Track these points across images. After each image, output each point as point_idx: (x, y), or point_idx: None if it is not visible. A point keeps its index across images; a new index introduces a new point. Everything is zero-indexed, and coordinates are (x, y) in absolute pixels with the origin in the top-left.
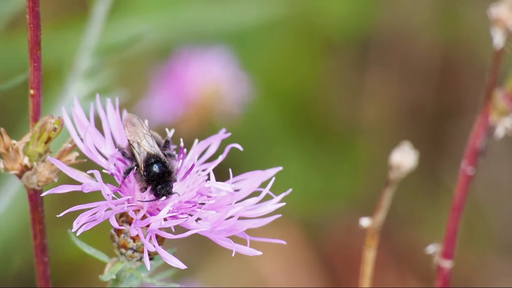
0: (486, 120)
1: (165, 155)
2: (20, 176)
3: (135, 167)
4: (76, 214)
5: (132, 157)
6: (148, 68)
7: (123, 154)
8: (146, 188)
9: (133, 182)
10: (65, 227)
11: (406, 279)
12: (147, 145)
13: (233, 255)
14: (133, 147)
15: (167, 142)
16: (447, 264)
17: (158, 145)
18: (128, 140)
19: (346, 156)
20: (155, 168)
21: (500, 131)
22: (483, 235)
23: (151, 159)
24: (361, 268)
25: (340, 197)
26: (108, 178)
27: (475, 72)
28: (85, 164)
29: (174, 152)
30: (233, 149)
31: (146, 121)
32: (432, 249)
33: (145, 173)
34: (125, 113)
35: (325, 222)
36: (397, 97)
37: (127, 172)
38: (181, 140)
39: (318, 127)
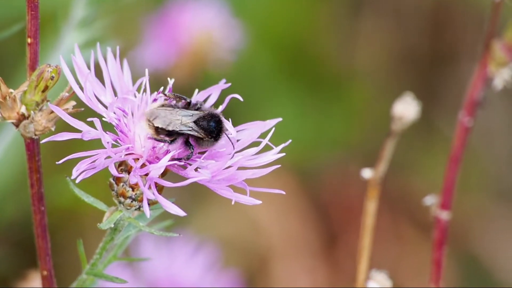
0: (484, 71)
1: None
2: (17, 125)
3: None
4: (72, 163)
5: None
6: (141, 17)
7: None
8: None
9: (133, 131)
10: (58, 176)
11: (401, 226)
12: (187, 118)
13: (232, 203)
14: (183, 130)
15: (189, 103)
16: (444, 215)
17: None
18: (175, 130)
19: (340, 103)
20: (213, 125)
21: (498, 82)
22: (479, 181)
23: (201, 122)
24: (362, 219)
25: (334, 144)
26: (107, 127)
27: (470, 17)
28: (82, 113)
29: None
30: (225, 95)
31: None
32: (430, 200)
33: (209, 136)
34: (125, 63)
35: (320, 169)
36: (391, 43)
37: (192, 149)
38: (194, 95)
39: (311, 73)
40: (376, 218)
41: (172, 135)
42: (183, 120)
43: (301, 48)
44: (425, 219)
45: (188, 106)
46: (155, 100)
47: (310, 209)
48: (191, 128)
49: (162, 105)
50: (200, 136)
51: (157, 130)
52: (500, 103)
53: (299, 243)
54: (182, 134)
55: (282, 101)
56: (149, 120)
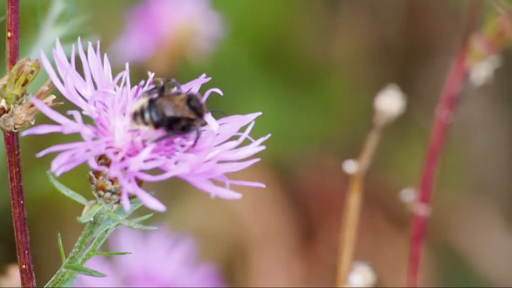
0: (463, 65)
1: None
2: None
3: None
4: (50, 156)
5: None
6: (121, 9)
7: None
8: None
9: (112, 124)
10: (36, 169)
11: (376, 219)
12: (183, 103)
13: (212, 197)
14: (185, 115)
15: (162, 89)
16: (423, 210)
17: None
18: (182, 116)
19: (316, 96)
20: (199, 103)
21: (476, 77)
22: (456, 175)
23: (191, 103)
24: (340, 212)
25: (310, 137)
26: (87, 120)
27: (446, 10)
28: (62, 107)
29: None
30: (204, 88)
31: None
32: (408, 195)
33: (198, 116)
34: (106, 57)
35: (296, 162)
36: (367, 36)
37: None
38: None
39: (288, 66)
40: (351, 209)
41: (170, 125)
42: (181, 105)
43: (279, 41)
44: (401, 212)
45: (163, 91)
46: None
47: (288, 202)
48: (186, 111)
49: (150, 100)
50: (192, 117)
51: (157, 125)
52: (477, 97)
53: (277, 236)
54: (178, 120)
55: (259, 94)
56: (144, 117)
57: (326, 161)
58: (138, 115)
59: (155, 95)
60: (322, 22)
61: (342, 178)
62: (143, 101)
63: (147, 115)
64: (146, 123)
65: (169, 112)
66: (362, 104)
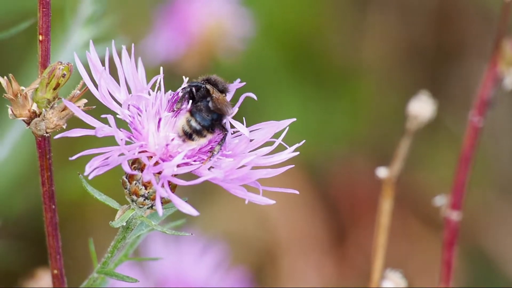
0: (494, 70)
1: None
2: (28, 122)
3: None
4: (78, 159)
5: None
6: (150, 8)
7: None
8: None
9: (146, 129)
10: (65, 171)
11: (407, 222)
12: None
13: (246, 203)
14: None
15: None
16: (455, 215)
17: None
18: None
19: (345, 97)
20: (222, 84)
21: (508, 82)
22: (483, 177)
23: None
24: (371, 215)
25: (340, 138)
26: (120, 124)
27: (475, 12)
28: (93, 111)
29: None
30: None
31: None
32: (440, 200)
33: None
34: (139, 61)
35: (326, 163)
36: (396, 37)
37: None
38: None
39: (317, 67)
40: (383, 214)
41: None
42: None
43: (307, 41)
44: (432, 215)
45: (193, 95)
46: (171, 108)
47: (318, 204)
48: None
49: (196, 108)
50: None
51: (213, 130)
52: (504, 99)
53: (308, 238)
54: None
55: (287, 95)
56: (200, 132)
57: (355, 162)
58: (194, 134)
59: (188, 104)
60: (351, 22)
61: (372, 179)
62: (186, 117)
63: (198, 127)
64: (203, 136)
65: (213, 111)
66: (391, 105)
